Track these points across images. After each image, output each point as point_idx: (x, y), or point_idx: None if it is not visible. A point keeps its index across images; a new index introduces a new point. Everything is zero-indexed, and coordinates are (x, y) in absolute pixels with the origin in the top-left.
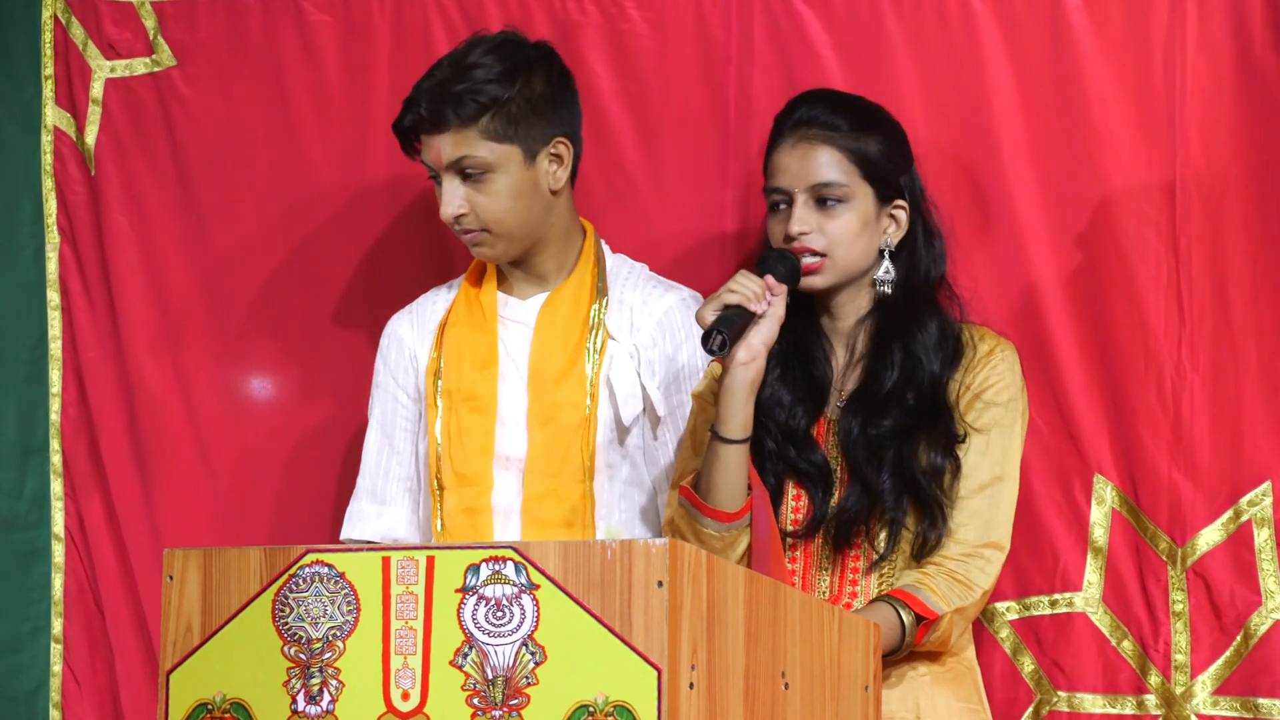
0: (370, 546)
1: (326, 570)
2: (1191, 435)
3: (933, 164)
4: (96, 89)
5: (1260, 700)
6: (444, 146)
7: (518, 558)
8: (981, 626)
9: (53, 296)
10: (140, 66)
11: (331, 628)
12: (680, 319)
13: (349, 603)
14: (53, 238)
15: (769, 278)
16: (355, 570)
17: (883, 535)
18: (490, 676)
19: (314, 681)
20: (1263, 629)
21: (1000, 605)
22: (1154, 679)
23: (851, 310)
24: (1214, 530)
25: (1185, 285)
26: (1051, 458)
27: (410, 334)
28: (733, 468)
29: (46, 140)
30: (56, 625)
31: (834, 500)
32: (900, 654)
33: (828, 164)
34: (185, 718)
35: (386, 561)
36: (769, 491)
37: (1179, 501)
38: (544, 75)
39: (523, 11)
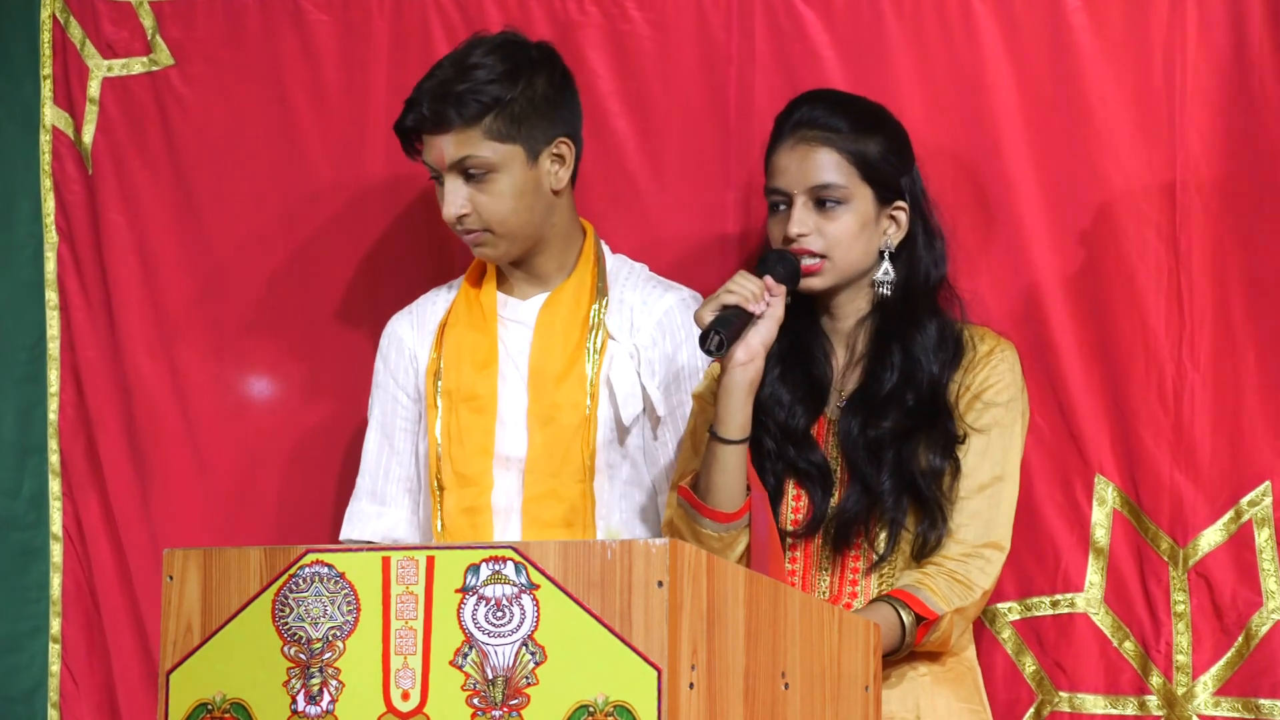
0: (370, 547)
1: (326, 570)
2: (1192, 435)
3: (933, 164)
4: (94, 88)
5: (1262, 701)
6: (447, 146)
7: (518, 558)
8: (983, 627)
9: (51, 296)
10: (137, 66)
11: (331, 628)
12: (680, 319)
13: (349, 603)
14: (51, 237)
15: (768, 278)
16: (355, 570)
17: (882, 536)
18: (490, 676)
19: (314, 681)
20: (1264, 630)
21: (1002, 606)
22: (1156, 680)
23: (851, 311)
24: (1215, 531)
25: (1185, 285)
26: (1053, 458)
27: (410, 334)
28: (731, 468)
29: (45, 140)
30: (55, 625)
31: (834, 500)
32: (900, 654)
33: (827, 166)
34: (185, 718)
35: (386, 561)
36: (769, 491)
37: (1180, 502)
38: (546, 75)
39: (522, 12)
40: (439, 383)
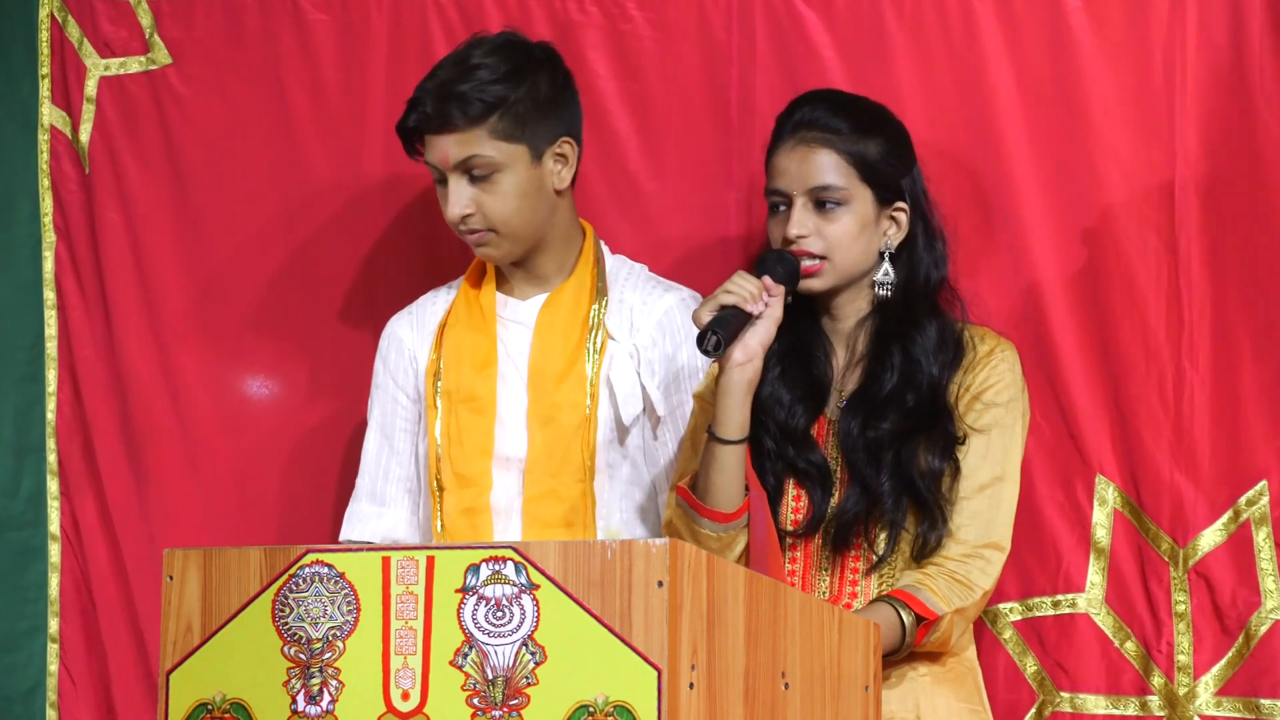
0: (370, 547)
1: (326, 570)
2: (1192, 435)
3: (933, 164)
4: (91, 87)
5: (1262, 701)
6: (451, 146)
7: (518, 558)
8: (984, 627)
9: (49, 295)
10: (134, 65)
11: (331, 628)
12: (680, 319)
13: (349, 603)
14: (49, 237)
15: (766, 279)
16: (355, 570)
17: (882, 537)
18: (490, 676)
19: (314, 681)
20: (1263, 630)
21: (1003, 606)
22: (1157, 680)
23: (852, 311)
24: (1215, 531)
25: (1184, 285)
26: (1053, 458)
27: (410, 335)
28: (730, 468)
29: (43, 139)
30: (53, 625)
31: (834, 500)
32: (900, 654)
33: (827, 167)
34: (185, 718)
35: (386, 561)
36: (769, 491)
37: (1180, 502)
38: (549, 75)
39: (522, 12)
40: (438, 383)
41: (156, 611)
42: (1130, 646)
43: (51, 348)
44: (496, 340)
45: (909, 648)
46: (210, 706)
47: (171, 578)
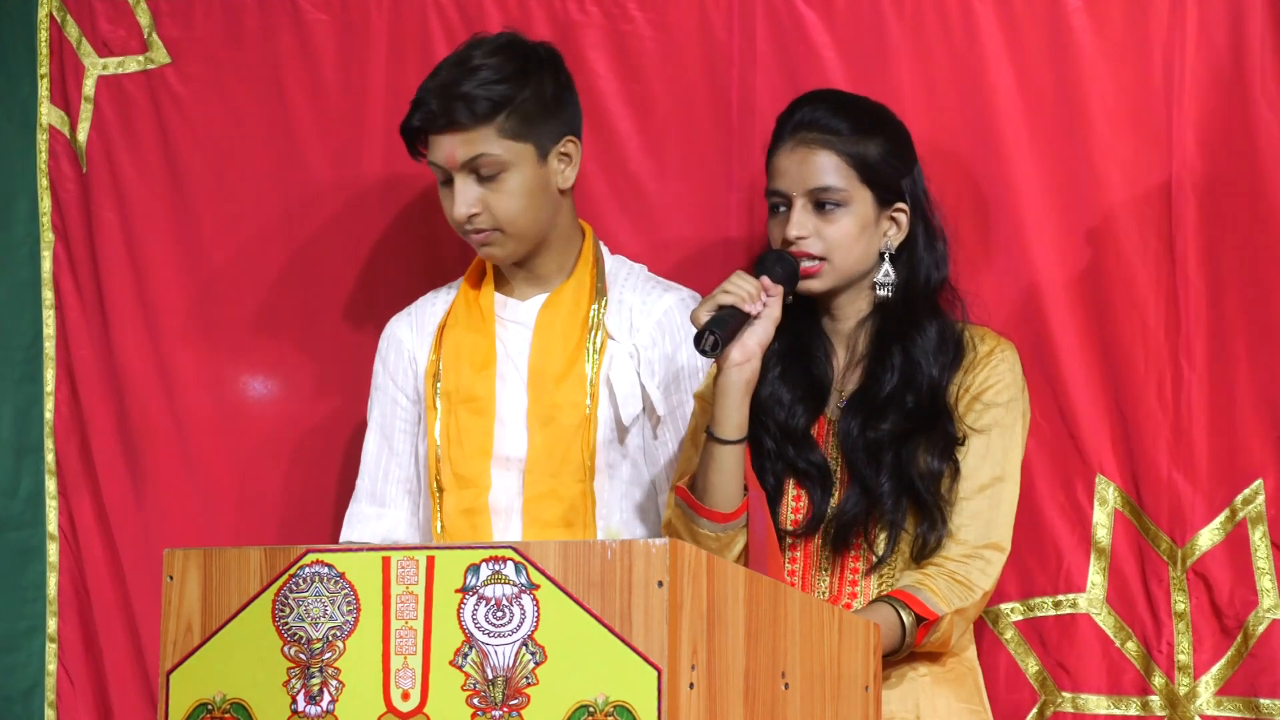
0: (370, 547)
1: (326, 570)
2: (1189, 435)
3: (933, 164)
4: (88, 86)
5: (1262, 700)
6: (458, 145)
7: (518, 558)
8: (986, 627)
9: (47, 295)
10: (132, 64)
11: (331, 628)
12: (679, 319)
13: (349, 603)
14: (47, 236)
15: (765, 279)
16: (355, 570)
17: (882, 538)
18: (490, 676)
19: (314, 681)
20: (1260, 629)
21: (1004, 606)
22: (1158, 680)
23: (852, 312)
24: (1213, 530)
25: (1181, 284)
26: (1053, 458)
27: (409, 336)
28: (728, 468)
29: (42, 138)
30: (51, 624)
31: (834, 500)
32: (900, 654)
33: (826, 168)
34: (185, 718)
35: (386, 561)
36: (769, 491)
37: (1178, 501)
38: (552, 75)
39: (522, 12)
40: (438, 384)
41: (153, 611)
42: (1131, 646)
43: (50, 347)
44: (495, 341)
45: (909, 648)
46: (210, 706)
47: (171, 578)
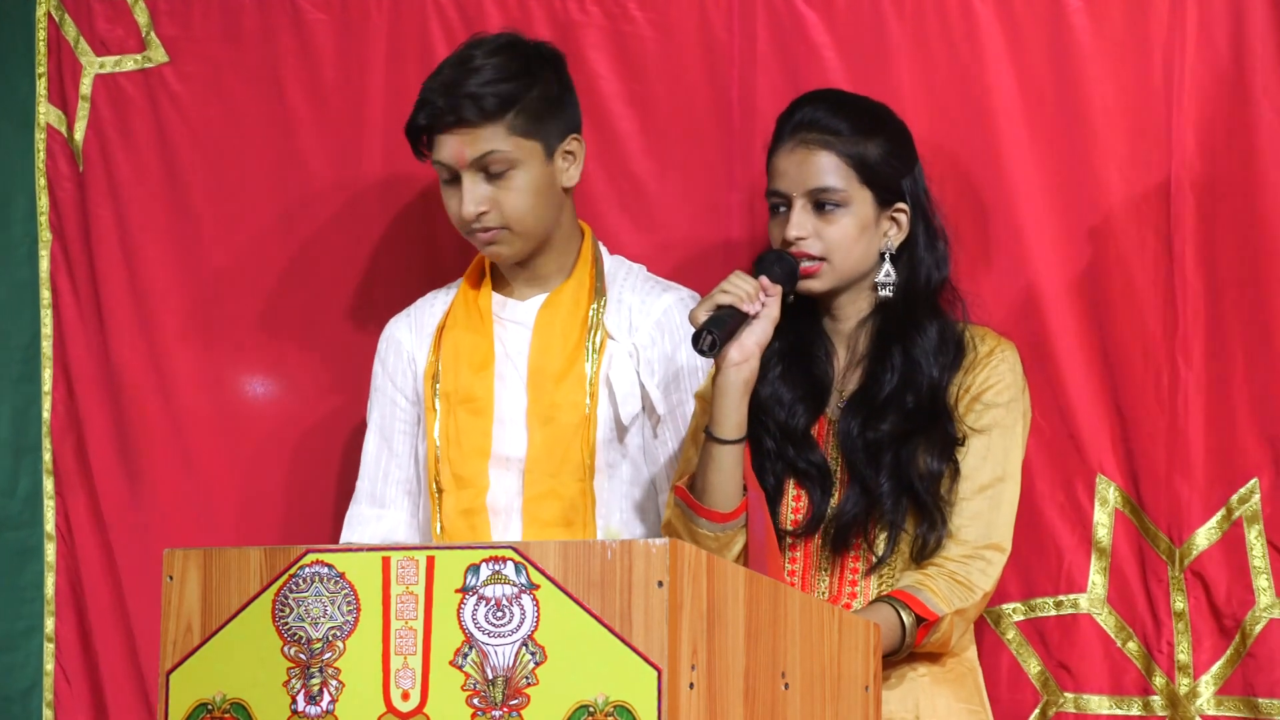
0: (370, 547)
1: (326, 570)
2: (1186, 434)
3: (933, 164)
4: (86, 85)
5: (1260, 700)
6: (467, 143)
7: (518, 558)
8: (987, 628)
9: (45, 295)
10: (129, 63)
11: (331, 628)
12: (678, 318)
13: (349, 603)
14: (45, 235)
15: (763, 278)
16: (355, 570)
17: (882, 538)
18: (490, 676)
19: (314, 681)
20: (1257, 629)
21: (1006, 606)
22: (1159, 680)
23: (853, 312)
24: (1209, 529)
25: (1179, 284)
26: (1054, 458)
27: (408, 337)
28: (727, 468)
29: (40, 138)
30: (49, 624)
31: (834, 500)
32: (900, 655)
33: (826, 169)
34: (185, 718)
35: (386, 561)
36: (769, 490)
37: (1176, 501)
38: (556, 73)
39: (523, 12)
40: (436, 385)
41: (148, 611)
42: (1132, 646)
43: (47, 347)
44: (494, 341)
45: (909, 648)
46: (210, 706)
47: (171, 578)
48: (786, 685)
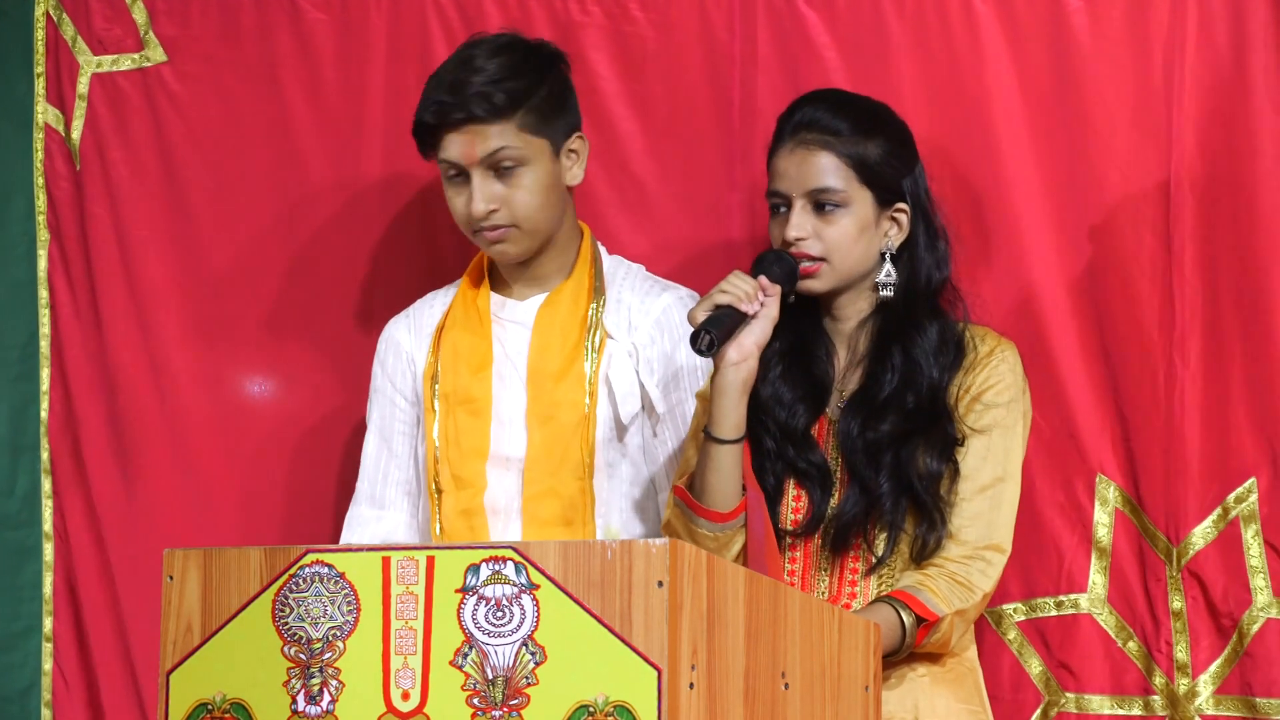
0: (370, 547)
1: (326, 570)
2: (1183, 433)
3: (933, 164)
4: (83, 85)
5: (1258, 700)
6: (478, 140)
7: (518, 558)
8: (989, 628)
9: (43, 294)
10: (127, 62)
11: (331, 628)
12: (677, 317)
13: (349, 603)
14: (43, 235)
15: (762, 278)
16: (355, 570)
17: (881, 539)
18: (490, 676)
19: (314, 681)
20: (1254, 628)
21: (1007, 607)
22: (1159, 680)
23: (854, 312)
24: (1206, 528)
25: (1178, 283)
26: (1054, 458)
27: (408, 338)
28: (726, 468)
29: (38, 137)
30: (47, 624)
31: (834, 500)
32: (900, 655)
33: (825, 169)
34: (185, 718)
35: (386, 561)
36: (769, 490)
37: (1174, 500)
38: (559, 72)
39: (523, 12)
40: (436, 386)
41: (143, 611)
42: (1132, 646)
43: (45, 346)
44: (492, 342)
45: (909, 648)
46: (210, 706)
47: (171, 578)
48: (786, 685)
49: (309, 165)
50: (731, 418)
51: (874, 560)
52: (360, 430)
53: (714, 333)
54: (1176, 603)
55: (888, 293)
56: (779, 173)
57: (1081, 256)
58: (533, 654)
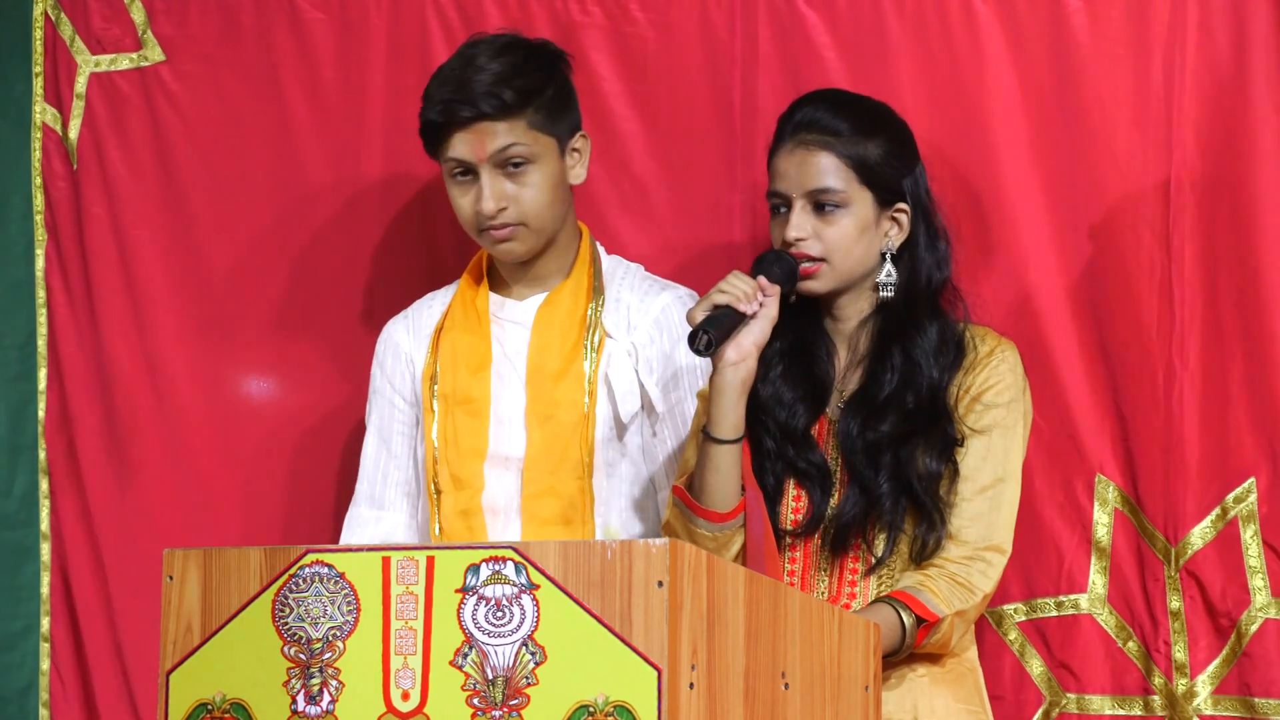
0: (370, 547)
1: (326, 570)
2: (1182, 433)
3: (932, 164)
4: (81, 84)
5: (1256, 700)
6: (487, 138)
7: (518, 558)
8: (990, 629)
9: (40, 294)
10: (125, 61)
11: (331, 628)
12: (677, 317)
13: (349, 603)
14: (40, 234)
15: (762, 278)
16: (355, 570)
17: (881, 539)
18: (490, 676)
19: (314, 681)
20: (1253, 628)
21: (1008, 607)
22: (1158, 680)
23: (854, 312)
24: (1204, 529)
25: (1177, 283)
26: (1053, 458)
27: (407, 339)
28: (725, 468)
29: (36, 137)
30: (45, 624)
31: (833, 501)
32: (900, 655)
33: (825, 170)
34: (185, 718)
35: (386, 562)
36: (769, 490)
37: (1173, 500)
38: (563, 71)
39: (523, 12)
40: (435, 386)
41: (136, 612)
42: (1132, 646)
43: (43, 345)
44: (490, 342)
45: (909, 649)
46: (210, 706)
47: (171, 578)
48: (786, 685)
49: (308, 165)
50: (730, 418)
51: (873, 560)
52: (360, 430)
53: (712, 333)
54: (1175, 603)
55: (888, 293)
56: (779, 173)
57: (1081, 256)
58: (533, 654)
